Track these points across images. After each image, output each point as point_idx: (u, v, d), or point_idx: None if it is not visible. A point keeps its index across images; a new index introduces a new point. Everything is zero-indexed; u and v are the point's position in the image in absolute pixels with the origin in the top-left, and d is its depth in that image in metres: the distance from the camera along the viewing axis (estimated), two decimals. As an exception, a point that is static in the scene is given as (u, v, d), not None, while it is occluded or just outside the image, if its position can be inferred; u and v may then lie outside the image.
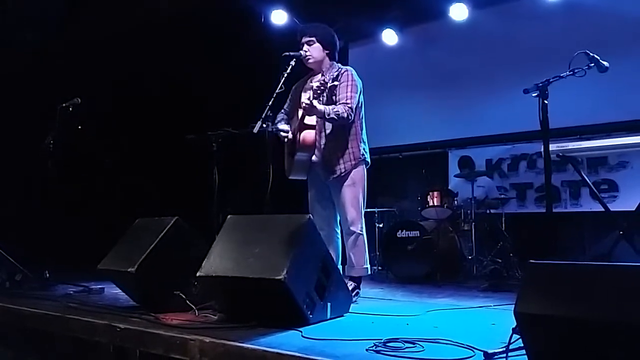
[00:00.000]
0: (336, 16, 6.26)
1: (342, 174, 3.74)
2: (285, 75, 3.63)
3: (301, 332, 2.61)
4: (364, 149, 3.84)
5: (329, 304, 2.96)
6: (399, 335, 2.45)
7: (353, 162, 3.76)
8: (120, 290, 3.76)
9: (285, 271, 2.62)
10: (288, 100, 4.03)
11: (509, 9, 6.59)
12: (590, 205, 5.98)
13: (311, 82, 3.87)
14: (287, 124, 3.94)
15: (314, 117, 3.65)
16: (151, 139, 6.37)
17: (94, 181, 6.17)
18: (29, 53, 5.79)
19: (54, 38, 5.85)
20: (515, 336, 2.03)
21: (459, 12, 6.51)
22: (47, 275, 4.49)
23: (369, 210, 5.39)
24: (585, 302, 1.65)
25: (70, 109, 4.59)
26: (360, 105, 3.82)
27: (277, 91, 3.57)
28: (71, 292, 4.17)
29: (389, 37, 7.18)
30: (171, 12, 6.17)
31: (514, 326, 2.03)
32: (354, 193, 3.76)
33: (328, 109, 3.55)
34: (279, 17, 6.89)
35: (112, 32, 5.95)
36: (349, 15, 6.71)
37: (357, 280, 3.87)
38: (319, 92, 3.48)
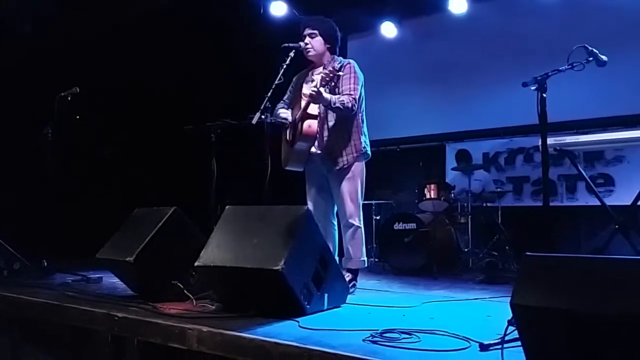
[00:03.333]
0: (335, 8, 6.24)
1: (344, 167, 3.75)
2: (285, 66, 3.63)
3: (298, 322, 2.63)
4: (364, 141, 3.86)
5: (326, 295, 2.98)
6: (396, 326, 2.47)
7: (355, 155, 3.77)
8: (118, 280, 3.77)
9: (283, 262, 2.64)
10: (288, 92, 4.04)
11: (508, 2, 6.60)
12: (586, 199, 6.01)
13: (313, 74, 3.88)
14: (287, 112, 3.95)
15: (316, 107, 3.65)
16: (150, 129, 6.36)
17: (93, 171, 6.16)
18: (28, 43, 5.76)
19: (54, 29, 5.83)
20: (511, 328, 2.06)
21: (458, 5, 6.50)
22: (45, 264, 4.50)
23: (366, 202, 5.38)
24: (580, 295, 1.67)
25: (69, 98, 4.58)
26: (361, 98, 3.83)
27: (276, 82, 3.57)
28: (69, 281, 4.17)
29: (388, 29, 7.16)
30: (171, 3, 6.15)
31: (509, 318, 2.06)
32: (353, 186, 3.77)
33: (334, 98, 3.57)
34: (278, 9, 6.87)
35: (111, 23, 5.93)
36: (348, 7, 6.69)
37: (354, 272, 3.89)
38: (327, 79, 3.47)
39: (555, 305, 1.72)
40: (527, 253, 1.90)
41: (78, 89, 4.60)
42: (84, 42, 5.94)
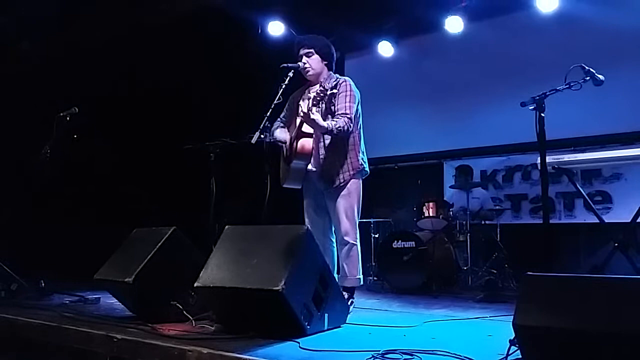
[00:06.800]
0: (333, 27, 6.30)
1: (341, 185, 3.75)
2: (284, 86, 3.64)
3: (299, 343, 2.62)
4: (362, 159, 3.85)
5: (326, 315, 2.96)
6: (397, 347, 2.46)
7: (351, 173, 3.77)
8: (116, 300, 3.75)
9: (283, 282, 2.63)
10: (285, 110, 4.06)
11: (504, 22, 6.65)
12: (584, 217, 6.01)
13: (309, 92, 3.89)
14: (284, 130, 3.96)
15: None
16: (149, 148, 6.36)
17: (91, 190, 6.15)
18: (27, 61, 5.79)
19: (52, 46, 5.85)
20: (513, 348, 2.05)
21: (454, 25, 6.54)
22: (43, 284, 4.47)
23: (364, 220, 5.36)
24: (582, 314, 1.67)
25: (68, 118, 4.58)
26: (358, 115, 3.84)
27: (275, 102, 3.58)
28: (67, 302, 4.15)
29: (385, 48, 7.22)
30: (169, 23, 6.19)
31: (510, 338, 2.05)
32: (349, 203, 3.76)
33: (331, 124, 3.56)
34: (275, 29, 6.91)
35: (110, 42, 5.96)
36: (345, 26, 6.75)
37: (350, 290, 3.86)
38: (318, 99, 3.48)
39: (557, 324, 1.71)
40: (528, 273, 1.90)
41: (77, 109, 4.61)
42: (84, 59, 5.96)
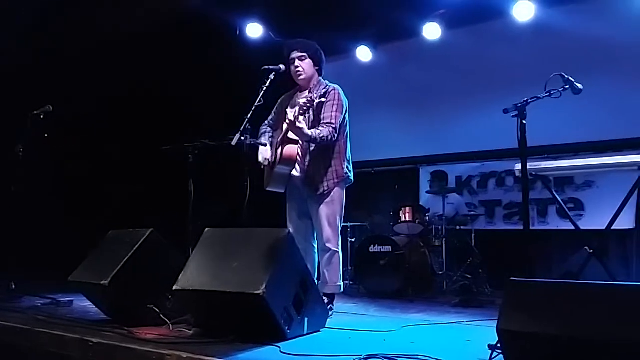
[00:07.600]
0: (311, 31, 6.27)
1: (325, 192, 3.75)
2: (265, 88, 3.63)
3: (279, 347, 2.61)
4: (347, 167, 3.86)
5: (306, 319, 2.95)
6: (377, 351, 2.47)
7: (336, 181, 3.77)
8: (90, 303, 3.69)
9: (264, 286, 2.61)
10: (273, 112, 4.04)
11: (481, 29, 6.71)
12: (557, 223, 6.10)
13: (298, 98, 3.88)
14: (271, 137, 3.94)
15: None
16: (127, 149, 6.26)
17: (65, 190, 6.02)
18: (3, 59, 5.64)
19: (30, 45, 5.72)
20: (495, 352, 2.07)
21: (432, 32, 6.60)
22: (14, 286, 4.37)
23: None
24: (567, 320, 1.69)
25: (42, 116, 4.50)
26: (345, 124, 3.85)
27: (256, 104, 3.56)
28: (39, 304, 4.06)
29: (363, 53, 7.24)
30: (148, 24, 6.11)
31: (489, 343, 2.07)
32: (332, 210, 3.77)
33: (315, 133, 3.57)
34: (254, 31, 6.89)
35: (88, 42, 5.85)
36: (323, 30, 6.73)
37: (330, 297, 3.87)
38: (305, 108, 3.49)
39: (542, 330, 1.73)
40: (513, 278, 1.92)
41: (51, 107, 4.53)
42: (62, 59, 5.84)
